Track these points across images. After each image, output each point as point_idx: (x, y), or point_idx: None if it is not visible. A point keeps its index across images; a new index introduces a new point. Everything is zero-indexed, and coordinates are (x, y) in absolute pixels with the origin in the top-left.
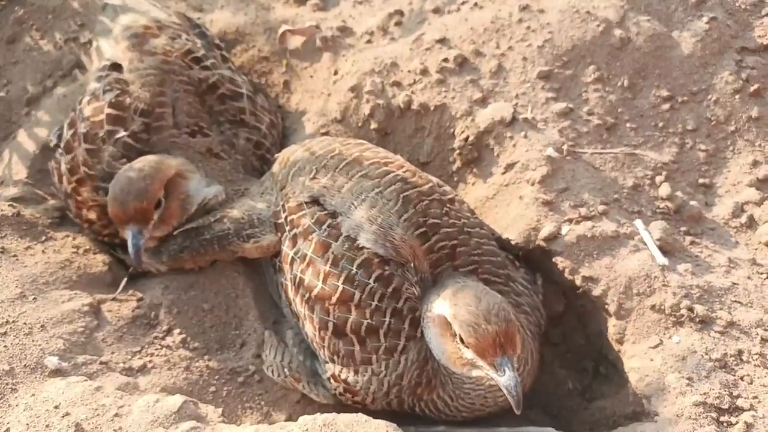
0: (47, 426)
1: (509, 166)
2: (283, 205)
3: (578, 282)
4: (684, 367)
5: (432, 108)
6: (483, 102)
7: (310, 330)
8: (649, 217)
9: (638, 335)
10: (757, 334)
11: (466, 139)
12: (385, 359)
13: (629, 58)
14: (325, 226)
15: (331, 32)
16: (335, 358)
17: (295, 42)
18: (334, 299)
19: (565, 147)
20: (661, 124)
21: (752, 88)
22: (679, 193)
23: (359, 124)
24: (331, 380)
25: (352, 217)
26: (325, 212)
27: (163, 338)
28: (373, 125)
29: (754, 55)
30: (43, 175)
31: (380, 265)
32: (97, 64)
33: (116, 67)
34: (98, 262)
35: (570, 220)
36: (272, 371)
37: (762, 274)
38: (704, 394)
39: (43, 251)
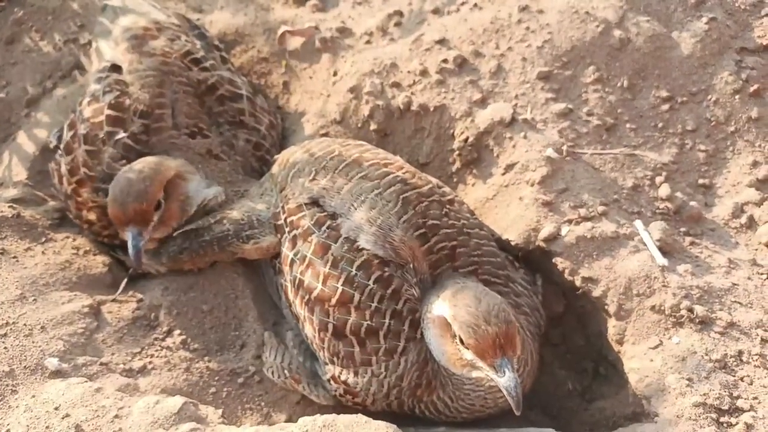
0: (47, 427)
1: (509, 167)
2: (282, 207)
3: (578, 283)
4: (684, 367)
5: (431, 109)
6: (482, 103)
7: (309, 331)
8: (648, 217)
9: (638, 336)
10: (757, 335)
11: (466, 139)
12: (385, 361)
13: (629, 59)
14: (324, 228)
15: (331, 33)
16: (335, 359)
17: (295, 43)
18: (333, 301)
19: (564, 148)
20: (660, 125)
21: (752, 89)
22: (678, 194)
23: (359, 125)
24: (331, 381)
25: (352, 218)
26: (325, 214)
27: (163, 339)
28: (373, 126)
29: (753, 55)
30: (43, 177)
31: (380, 266)
32: (96, 66)
33: (116, 68)
34: (98, 263)
35: (570, 221)
36: (272, 372)
37: (762, 274)
38: (704, 394)
39: (43, 252)
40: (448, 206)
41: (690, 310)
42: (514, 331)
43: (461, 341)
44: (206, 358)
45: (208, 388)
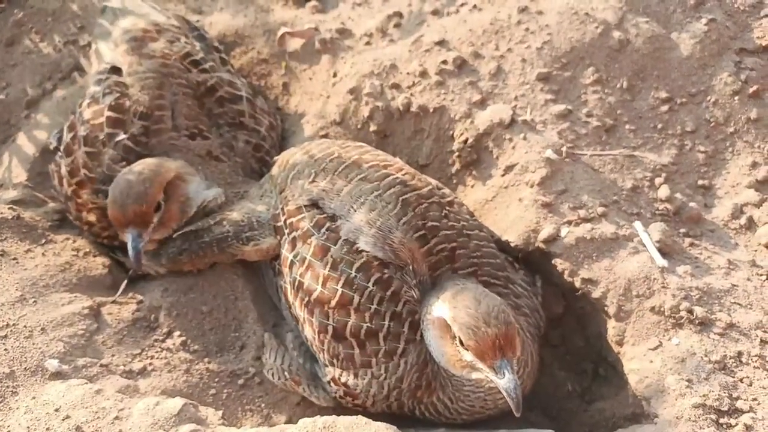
0: (48, 429)
1: (508, 168)
2: (282, 208)
3: (578, 284)
4: (683, 368)
5: (431, 110)
6: (482, 104)
7: (309, 333)
8: (648, 218)
9: (638, 337)
10: (757, 336)
11: (465, 141)
12: (385, 362)
13: (628, 60)
14: (324, 230)
15: (330, 34)
16: (335, 361)
17: (294, 44)
18: (333, 303)
19: (564, 149)
20: (660, 126)
21: (751, 90)
22: (678, 195)
23: (358, 126)
24: (331, 383)
25: (352, 220)
26: (324, 215)
27: (163, 341)
28: (372, 127)
29: (752, 56)
30: (43, 178)
31: (379, 268)
32: (96, 67)
33: (116, 70)
34: (98, 264)
35: (569, 222)
36: (272, 374)
37: (761, 275)
38: (704, 396)
39: (43, 254)
40: (447, 208)
41: (689, 311)
42: (514, 333)
43: (461, 343)
44: (206, 360)
45: (208, 390)
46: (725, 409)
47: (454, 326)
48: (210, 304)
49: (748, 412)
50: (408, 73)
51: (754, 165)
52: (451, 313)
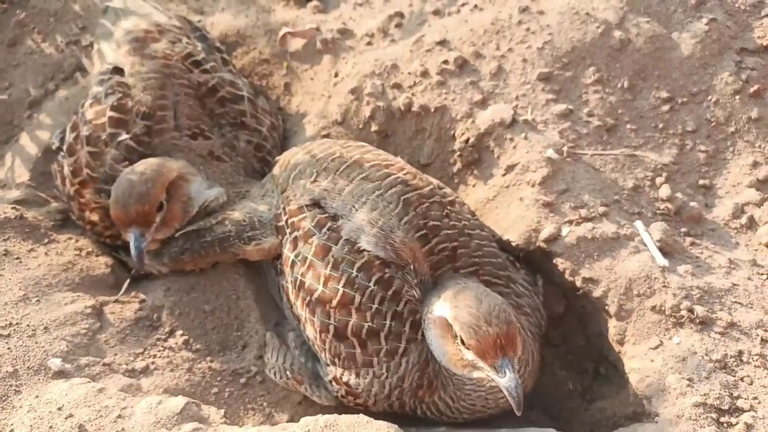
0: (50, 428)
1: (509, 168)
2: (283, 208)
3: (579, 283)
4: (684, 368)
5: (432, 110)
6: (483, 104)
7: (311, 333)
8: (649, 218)
9: (638, 336)
10: (758, 335)
11: (467, 140)
12: (386, 362)
13: (629, 60)
14: (325, 229)
15: (332, 34)
16: (336, 360)
17: (296, 44)
18: (334, 302)
19: (565, 148)
20: (661, 126)
21: (752, 89)
22: (679, 194)
23: (360, 126)
24: (333, 383)
25: (353, 220)
26: (326, 215)
27: (165, 340)
28: (374, 127)
29: (753, 56)
30: (46, 178)
31: (381, 267)
32: (98, 68)
33: (118, 70)
34: (101, 264)
35: (570, 222)
36: (274, 373)
37: (762, 275)
38: (704, 395)
39: (45, 253)
40: (449, 207)
41: (690, 310)
42: (515, 332)
43: (462, 342)
44: (208, 359)
45: (211, 389)
46: (726, 408)
47: (456, 325)
48: (212, 304)
49: (749, 411)
50: (409, 73)
51: (755, 164)
52: (453, 312)
